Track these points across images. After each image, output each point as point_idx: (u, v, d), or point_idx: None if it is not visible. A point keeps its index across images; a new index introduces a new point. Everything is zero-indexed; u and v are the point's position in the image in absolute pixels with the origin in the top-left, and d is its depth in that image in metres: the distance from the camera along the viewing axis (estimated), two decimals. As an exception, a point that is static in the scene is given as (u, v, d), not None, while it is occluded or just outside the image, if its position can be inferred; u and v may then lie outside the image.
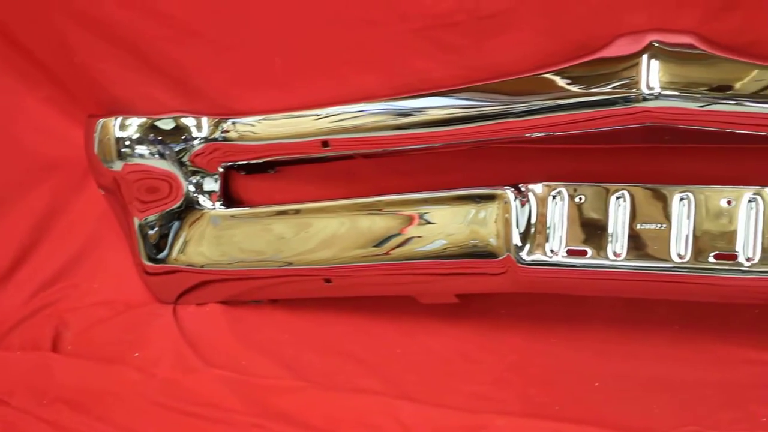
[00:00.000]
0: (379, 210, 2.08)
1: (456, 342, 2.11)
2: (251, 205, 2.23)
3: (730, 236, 1.88)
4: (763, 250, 1.84)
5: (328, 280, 2.12)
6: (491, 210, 1.96)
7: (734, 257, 1.85)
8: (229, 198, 2.25)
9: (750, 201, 1.85)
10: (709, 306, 1.99)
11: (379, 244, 2.06)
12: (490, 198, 1.97)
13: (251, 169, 2.21)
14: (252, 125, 2.10)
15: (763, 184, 1.89)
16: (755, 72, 1.80)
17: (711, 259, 1.87)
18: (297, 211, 2.16)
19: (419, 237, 2.02)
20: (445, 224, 2.02)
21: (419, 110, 1.98)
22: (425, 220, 2.02)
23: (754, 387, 1.92)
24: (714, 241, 1.88)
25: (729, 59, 1.81)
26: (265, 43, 2.05)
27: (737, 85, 1.79)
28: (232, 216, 2.20)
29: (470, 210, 1.99)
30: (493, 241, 1.95)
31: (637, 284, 1.93)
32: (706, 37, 1.84)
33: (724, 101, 1.80)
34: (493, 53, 1.95)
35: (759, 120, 1.82)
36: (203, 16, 2.06)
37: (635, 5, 1.87)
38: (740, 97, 1.79)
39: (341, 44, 2.01)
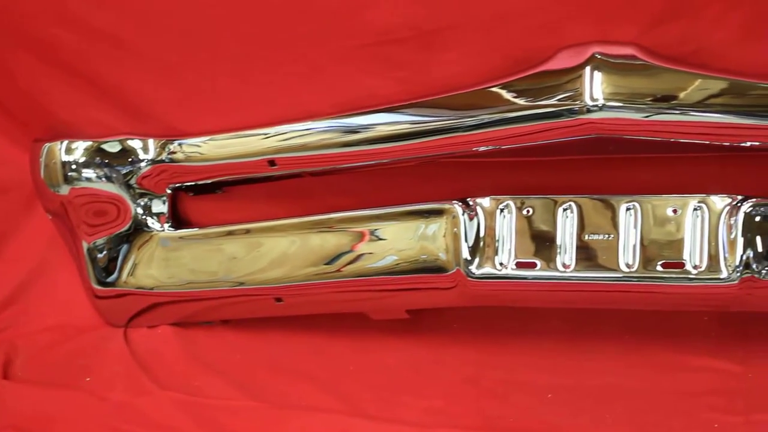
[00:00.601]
0: (330, 227, 2.08)
1: (409, 357, 2.11)
2: (200, 226, 2.20)
3: (677, 245, 1.89)
4: (710, 257, 1.85)
5: (279, 299, 2.11)
6: (440, 225, 1.97)
7: (681, 265, 1.87)
8: (177, 219, 2.23)
9: (695, 209, 1.87)
10: (659, 314, 2.01)
11: (330, 262, 2.05)
12: (439, 213, 1.97)
13: (199, 190, 2.20)
14: (198, 146, 2.10)
15: (708, 192, 1.87)
16: (698, 81, 1.82)
17: (659, 268, 1.88)
18: (247, 231, 2.15)
19: (370, 253, 2.02)
20: (396, 240, 2.01)
21: (367, 127, 1.99)
22: (376, 236, 2.02)
23: (706, 394, 1.94)
24: (661, 250, 1.89)
25: (671, 69, 1.83)
26: (210, 62, 2.04)
27: (681, 95, 1.81)
28: (181, 237, 2.19)
29: (419, 225, 1.98)
30: (442, 255, 1.95)
31: (586, 295, 1.93)
32: (647, 48, 1.85)
33: (669, 111, 1.82)
34: (438, 68, 1.95)
35: (703, 129, 1.84)
36: (147, 38, 2.05)
37: (577, 17, 1.88)
38: (684, 107, 1.81)
39: (286, 62, 2.00)
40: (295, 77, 2.01)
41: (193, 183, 2.19)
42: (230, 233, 2.18)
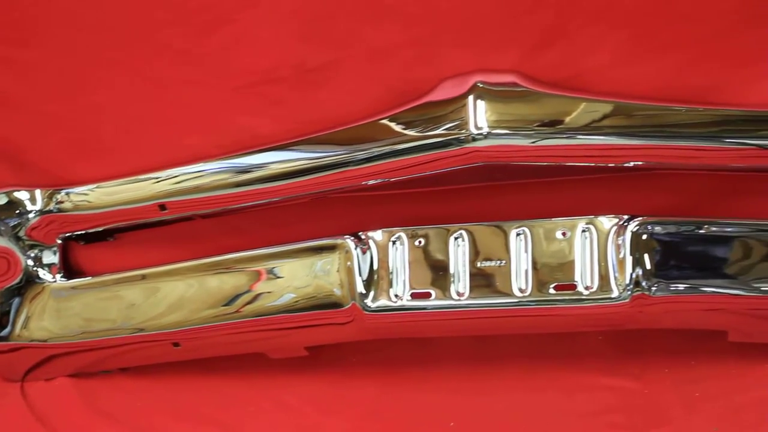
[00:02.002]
0: (227, 268, 2.07)
1: (309, 394, 2.10)
2: (93, 275, 2.17)
3: (568, 267, 1.90)
4: (601, 277, 1.88)
5: (176, 344, 2.08)
6: (333, 260, 1.97)
7: (573, 287, 1.89)
8: (69, 269, 2.20)
9: (584, 231, 1.89)
10: (556, 336, 2.02)
11: (228, 303, 2.05)
12: (331, 248, 1.98)
13: (90, 239, 2.18)
14: (86, 194, 2.08)
15: (595, 214, 1.88)
16: (581, 105, 1.85)
17: (551, 291, 1.90)
18: (143, 277, 2.13)
19: (268, 292, 2.02)
20: (292, 278, 2.01)
21: (258, 166, 1.98)
22: (273, 274, 2.02)
23: (606, 412, 1.97)
24: (553, 273, 1.91)
25: (553, 94, 1.86)
26: (91, 110, 2.04)
27: (565, 119, 1.84)
28: (74, 287, 2.17)
29: (314, 262, 1.99)
30: (337, 291, 1.95)
31: (482, 321, 1.95)
32: (528, 75, 1.86)
33: (554, 135, 1.85)
34: (321, 105, 1.97)
35: (587, 151, 1.87)
36: (26, 89, 2.02)
37: (458, 48, 1.91)
38: (569, 131, 1.84)
39: (166, 106, 2.00)
40: (178, 121, 1.99)
41: (83, 231, 2.16)
42: (125, 280, 2.16)
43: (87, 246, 2.18)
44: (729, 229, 1.90)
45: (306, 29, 1.93)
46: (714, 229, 1.90)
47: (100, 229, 2.16)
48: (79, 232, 2.17)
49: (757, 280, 1.89)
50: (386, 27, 1.91)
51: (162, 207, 2.03)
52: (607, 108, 1.86)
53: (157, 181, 2.03)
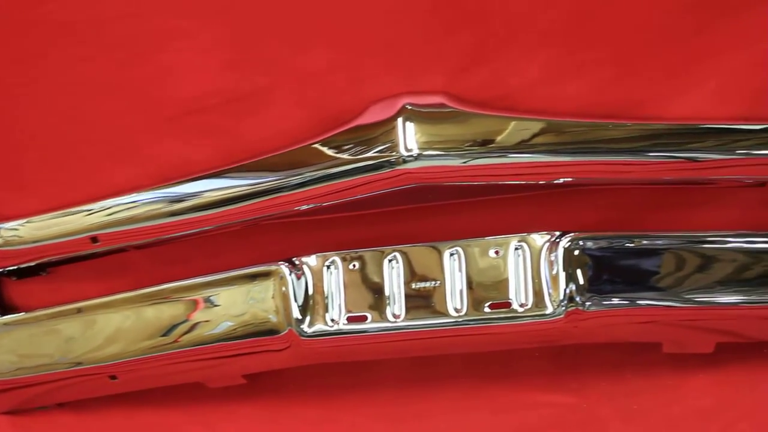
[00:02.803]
0: (163, 298, 2.07)
1: (248, 423, 2.10)
2: (27, 310, 2.14)
3: (503, 285, 1.92)
4: (535, 294, 1.88)
5: (113, 377, 2.06)
6: (268, 287, 1.97)
7: (508, 305, 1.90)
8: (3, 306, 2.18)
9: (516, 249, 1.90)
10: (493, 355, 2.03)
11: (166, 333, 2.04)
12: (266, 275, 1.97)
13: (22, 274, 2.14)
14: (16, 229, 2.06)
15: (528, 231, 1.90)
16: (512, 124, 1.86)
17: (487, 309, 1.91)
18: (78, 310, 2.12)
19: (205, 321, 2.02)
20: (228, 306, 2.01)
21: (192, 195, 1.97)
22: (209, 303, 2.01)
23: (545, 429, 1.98)
24: (488, 292, 1.92)
25: (481, 114, 1.87)
26: (19, 143, 2.00)
27: (495, 138, 1.85)
28: (6, 324, 2.14)
29: (249, 289, 1.98)
30: (273, 317, 1.95)
31: (419, 342, 1.95)
32: (456, 95, 1.87)
33: (485, 155, 1.85)
34: (251, 131, 1.97)
35: (519, 170, 1.89)
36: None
37: (386, 71, 1.91)
38: (501, 150, 1.84)
39: (98, 139, 1.98)
40: (109, 153, 1.99)
41: (15, 267, 2.12)
42: (61, 314, 2.14)
43: (20, 281, 2.16)
44: (660, 242, 1.91)
45: (234, 57, 1.92)
46: (645, 242, 1.91)
47: (32, 263, 2.10)
48: (10, 268, 2.12)
49: (690, 291, 1.91)
50: (314, 52, 1.91)
51: (94, 239, 2.02)
52: (535, 126, 1.86)
53: (89, 214, 2.02)
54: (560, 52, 1.88)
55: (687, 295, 1.91)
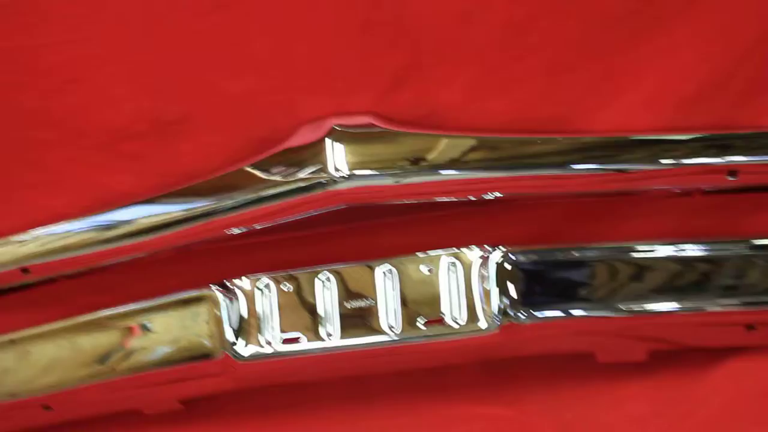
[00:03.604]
0: (98, 326, 2.04)
1: (185, 448, 2.06)
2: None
3: (436, 301, 1.94)
4: (468, 309, 1.90)
5: (47, 407, 2.04)
6: (201, 311, 1.97)
7: (442, 321, 1.91)
8: (-68, 342, 2.13)
9: (449, 265, 1.91)
10: (429, 370, 2.03)
11: (101, 362, 2.02)
12: (199, 300, 1.98)
13: (-48, 307, 2.10)
14: (-55, 263, 2.02)
15: (459, 247, 1.92)
16: (440, 141, 1.89)
17: (421, 327, 1.92)
18: (12, 341, 2.09)
19: (140, 348, 2.01)
20: (162, 332, 2.01)
21: (124, 222, 1.97)
22: (144, 330, 2.00)
23: (483, 441, 1.95)
24: (421, 309, 1.93)
25: (409, 133, 1.88)
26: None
27: (425, 156, 1.85)
28: (-64, 358, 2.10)
29: (183, 314, 1.98)
30: (207, 342, 1.94)
31: (355, 362, 1.96)
32: (384, 115, 1.88)
33: (415, 173, 1.85)
34: (181, 157, 1.97)
35: (449, 186, 1.92)
36: None
37: (313, 93, 1.93)
38: (430, 167, 1.85)
39: (24, 171, 1.97)
40: (36, 185, 1.97)
41: (-61, 303, 2.07)
42: (-9, 346, 2.08)
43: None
44: (590, 254, 1.94)
45: (160, 83, 1.92)
46: (576, 254, 1.93)
47: (-42, 299, 2.06)
48: (-60, 302, 2.07)
49: (622, 301, 1.94)
50: (241, 76, 1.92)
51: (24, 270, 1.99)
52: (464, 143, 1.89)
53: (20, 245, 1.99)
54: (484, 70, 1.91)
55: (619, 304, 1.93)
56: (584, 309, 1.95)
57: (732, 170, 1.90)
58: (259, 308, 1.96)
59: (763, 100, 1.93)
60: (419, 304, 1.94)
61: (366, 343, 1.95)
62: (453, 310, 1.92)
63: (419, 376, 2.09)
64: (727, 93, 1.92)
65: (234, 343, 1.95)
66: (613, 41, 1.92)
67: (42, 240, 2.02)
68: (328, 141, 1.89)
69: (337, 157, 1.87)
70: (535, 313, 1.93)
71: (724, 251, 1.96)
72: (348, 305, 1.94)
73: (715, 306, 1.94)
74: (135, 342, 2.02)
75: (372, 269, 1.95)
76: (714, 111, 1.94)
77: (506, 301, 1.92)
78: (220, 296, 1.97)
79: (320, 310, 1.96)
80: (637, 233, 2.02)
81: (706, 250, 1.96)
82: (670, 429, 1.94)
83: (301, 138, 1.92)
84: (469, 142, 1.91)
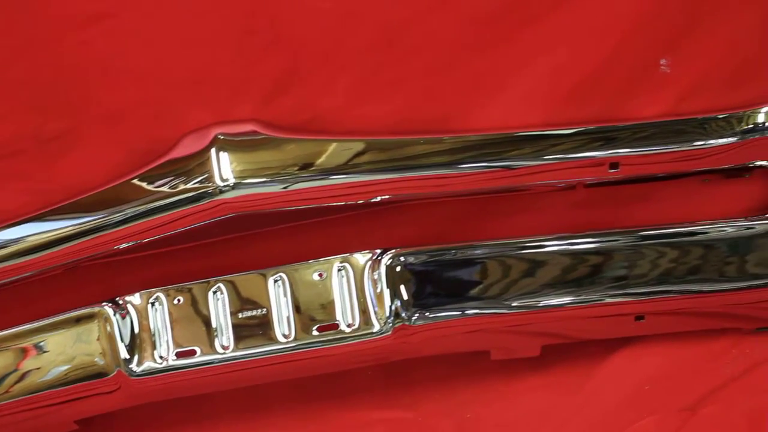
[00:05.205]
0: (-9, 349, 1.98)
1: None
2: None
3: (329, 307, 1.93)
4: (361, 313, 1.90)
5: (-61, 437, 2.00)
6: (93, 329, 1.95)
7: (336, 326, 1.91)
8: None
9: (339, 270, 1.91)
10: (326, 377, 2.02)
11: (-4, 385, 1.96)
12: (89, 317, 1.96)
13: None
14: None
15: (349, 251, 1.90)
16: (325, 146, 1.88)
17: (315, 333, 1.92)
18: None
19: (35, 369, 1.98)
20: (55, 352, 1.99)
21: (11, 242, 1.94)
22: (37, 350, 1.97)
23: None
24: (314, 315, 1.93)
25: (293, 139, 1.87)
26: None
27: (311, 162, 1.85)
28: None
29: (74, 333, 1.96)
30: (100, 360, 1.92)
31: (251, 372, 1.95)
32: (266, 122, 1.87)
33: (301, 179, 1.85)
34: (65, 172, 1.94)
35: (337, 191, 1.92)
36: None
37: (194, 102, 1.92)
38: (317, 172, 1.85)
39: None
40: None
41: None
42: None
43: None
44: (480, 251, 1.95)
45: (40, 98, 1.90)
46: (466, 252, 1.95)
47: None
48: None
49: (513, 297, 1.96)
50: (121, 88, 1.91)
51: None
52: (348, 146, 1.89)
53: None
54: (366, 73, 1.91)
55: (511, 301, 1.95)
56: (476, 307, 1.96)
57: (613, 162, 1.91)
58: (152, 323, 1.94)
59: (641, 91, 1.94)
60: (312, 310, 1.93)
61: (260, 353, 1.95)
62: (346, 315, 1.91)
63: (317, 383, 2.08)
64: (605, 86, 1.93)
65: (128, 360, 1.93)
66: (491, 38, 1.93)
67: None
68: (212, 150, 1.85)
69: (223, 166, 1.86)
70: (428, 314, 1.93)
71: (611, 243, 1.96)
72: (241, 315, 1.93)
73: (604, 298, 1.94)
74: (28, 363, 1.99)
75: (264, 277, 1.93)
76: (594, 104, 1.96)
77: (398, 303, 1.92)
78: (111, 313, 1.96)
79: (213, 322, 1.94)
80: (525, 229, 2.04)
81: (593, 242, 1.98)
82: (566, 421, 1.96)
83: (185, 148, 1.91)
84: (354, 146, 1.90)
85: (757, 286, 1.98)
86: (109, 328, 1.95)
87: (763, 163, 1.99)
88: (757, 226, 2.00)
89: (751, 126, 1.93)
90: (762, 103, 1.94)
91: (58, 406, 2.02)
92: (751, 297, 1.99)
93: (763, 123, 1.93)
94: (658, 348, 2.02)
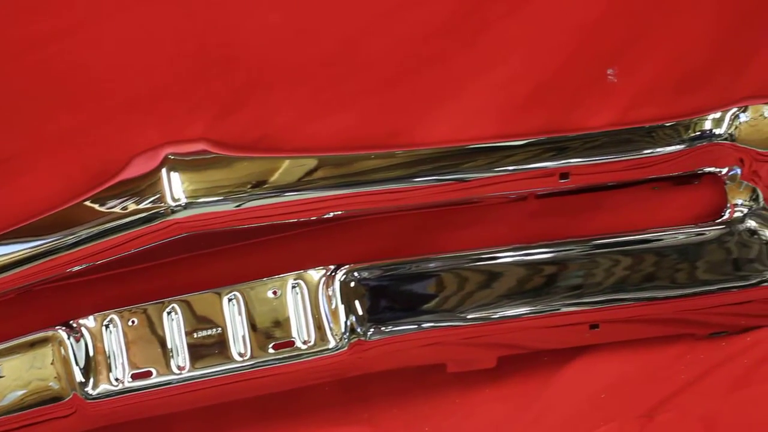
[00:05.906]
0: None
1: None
2: None
3: (284, 324, 1.93)
4: (317, 330, 1.90)
5: None
6: (47, 353, 1.93)
7: (292, 344, 1.91)
8: None
9: (294, 286, 1.92)
10: (283, 394, 2.02)
11: (-54, 414, 1.95)
12: (43, 341, 1.94)
13: None
14: None
15: (303, 268, 1.91)
16: (276, 164, 1.89)
17: (271, 351, 1.92)
18: None
19: (-10, 395, 1.93)
20: (10, 377, 1.95)
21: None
22: (-6, 376, 1.93)
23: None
24: (270, 333, 1.93)
25: (244, 157, 1.87)
26: None
27: (263, 180, 1.85)
28: None
29: (28, 358, 1.93)
30: (54, 384, 1.91)
31: (207, 391, 1.95)
32: (217, 141, 1.87)
33: (253, 197, 1.85)
34: (18, 194, 1.93)
35: (289, 208, 1.93)
36: None
37: (145, 122, 1.92)
38: (268, 190, 1.85)
39: None
40: None
41: None
42: None
43: None
44: (434, 265, 1.95)
45: (-8, 119, 1.86)
46: (419, 266, 1.95)
47: None
48: None
49: (468, 309, 1.97)
50: (73, 109, 1.90)
51: None
52: (300, 163, 1.89)
53: None
54: (316, 90, 1.91)
55: (466, 313, 1.96)
56: (431, 320, 1.97)
57: (563, 173, 1.92)
58: (106, 345, 1.94)
59: (590, 101, 1.95)
60: (267, 328, 1.93)
61: (217, 372, 1.94)
62: (301, 332, 1.92)
63: (275, 401, 2.07)
64: (554, 97, 1.95)
65: (83, 383, 1.93)
66: (442, 49, 1.93)
67: None
68: (163, 170, 1.84)
69: (174, 186, 1.86)
70: (383, 329, 1.94)
71: (564, 253, 1.98)
72: (197, 335, 1.92)
73: (559, 307, 1.95)
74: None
75: (219, 296, 1.93)
76: (543, 115, 1.97)
77: (353, 318, 1.92)
78: (65, 336, 1.95)
79: (169, 343, 1.93)
80: (479, 241, 2.05)
81: (547, 253, 1.99)
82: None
83: (135, 169, 1.89)
84: (306, 162, 1.90)
85: (709, 292, 1.99)
86: (63, 351, 1.93)
87: (712, 169, 2.00)
88: (707, 232, 2.01)
89: (699, 133, 1.95)
90: (708, 111, 1.93)
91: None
92: (703, 303, 2.00)
93: (710, 130, 1.94)
94: (613, 356, 2.02)
